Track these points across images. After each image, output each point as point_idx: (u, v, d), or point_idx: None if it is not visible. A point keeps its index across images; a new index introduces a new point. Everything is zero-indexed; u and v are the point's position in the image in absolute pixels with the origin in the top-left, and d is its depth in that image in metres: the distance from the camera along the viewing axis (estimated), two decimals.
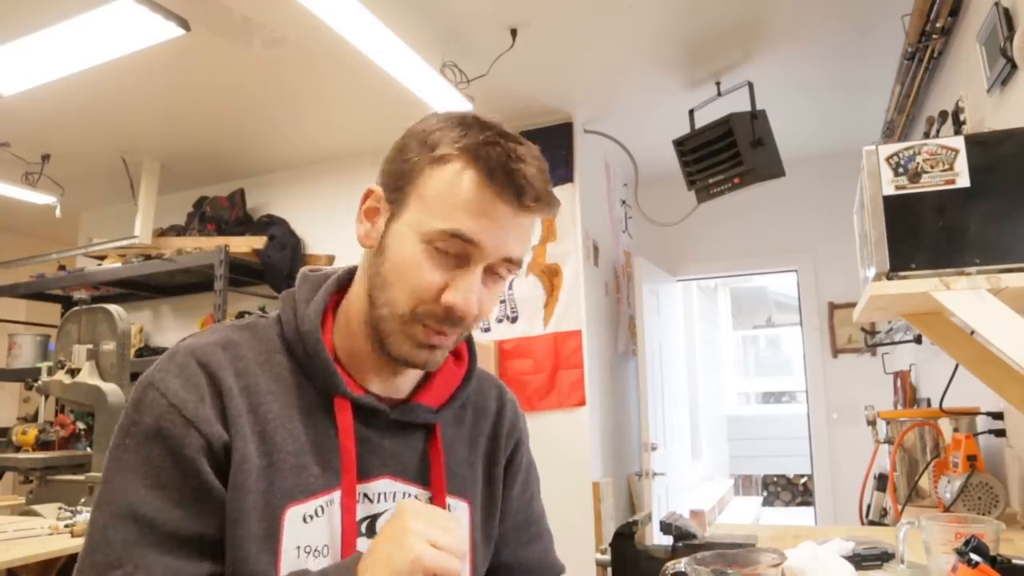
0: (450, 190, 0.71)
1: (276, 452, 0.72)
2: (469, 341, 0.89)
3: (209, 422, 0.70)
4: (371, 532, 0.77)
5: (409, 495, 0.81)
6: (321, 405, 0.76)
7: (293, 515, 0.72)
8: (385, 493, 0.79)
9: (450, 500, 0.83)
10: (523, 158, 0.72)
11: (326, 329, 0.79)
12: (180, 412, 0.69)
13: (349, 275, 0.83)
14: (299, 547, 0.72)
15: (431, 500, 0.82)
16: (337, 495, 0.74)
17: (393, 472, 0.80)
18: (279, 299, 0.83)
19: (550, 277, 3.53)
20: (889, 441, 2.19)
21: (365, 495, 0.77)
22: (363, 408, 0.77)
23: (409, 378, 0.83)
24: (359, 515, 0.76)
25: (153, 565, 0.66)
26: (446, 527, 0.67)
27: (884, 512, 2.14)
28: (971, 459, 1.77)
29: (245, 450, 0.70)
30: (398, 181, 0.75)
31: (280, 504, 0.71)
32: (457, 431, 0.88)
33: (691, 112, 3.33)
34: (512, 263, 0.75)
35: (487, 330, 3.57)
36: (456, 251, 0.72)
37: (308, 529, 0.72)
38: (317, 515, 0.73)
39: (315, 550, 0.73)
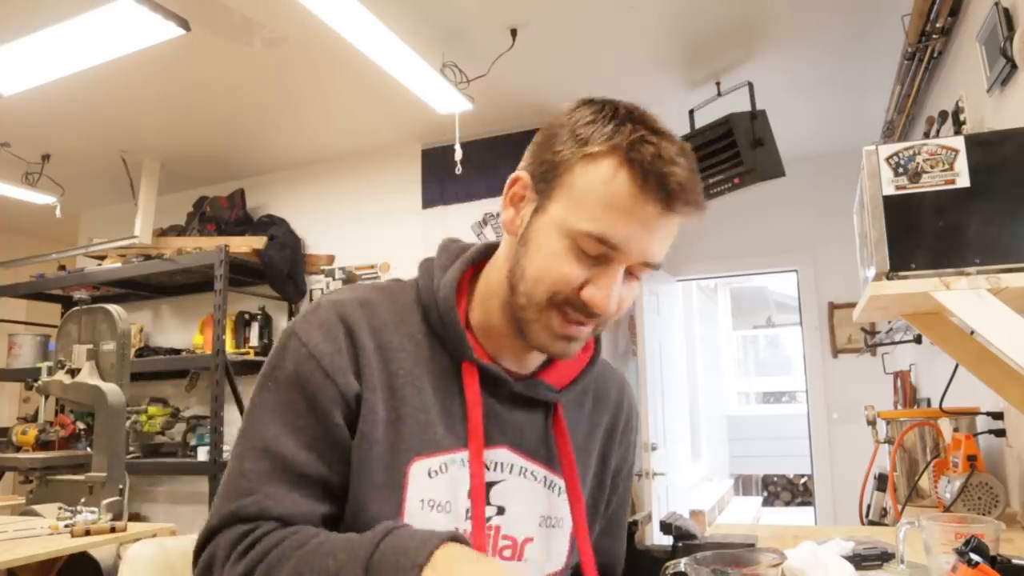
0: (600, 190, 0.70)
1: (403, 407, 0.76)
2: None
3: (344, 374, 0.74)
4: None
5: (527, 470, 0.82)
6: (450, 370, 0.79)
7: (418, 469, 0.75)
8: (503, 463, 0.80)
9: (555, 478, 0.84)
10: (675, 160, 0.70)
11: (460, 298, 0.81)
12: (319, 363, 0.74)
13: (488, 249, 0.85)
14: (423, 500, 0.75)
15: (554, 481, 0.83)
16: (460, 456, 0.77)
17: (511, 443, 0.81)
18: (418, 266, 0.85)
19: None
20: (889, 441, 2.19)
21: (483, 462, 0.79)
22: (488, 376, 0.79)
23: (537, 356, 0.84)
24: None
25: (281, 497, 0.71)
26: None
27: (884, 512, 2.13)
28: (971, 459, 1.76)
29: (374, 402, 0.74)
30: (547, 172, 0.75)
31: (406, 456, 0.74)
32: (576, 415, 0.89)
33: (691, 112, 3.32)
34: (651, 266, 0.75)
35: None
36: (598, 252, 0.72)
37: (432, 484, 0.75)
38: (442, 471, 0.76)
39: (438, 504, 0.75)
